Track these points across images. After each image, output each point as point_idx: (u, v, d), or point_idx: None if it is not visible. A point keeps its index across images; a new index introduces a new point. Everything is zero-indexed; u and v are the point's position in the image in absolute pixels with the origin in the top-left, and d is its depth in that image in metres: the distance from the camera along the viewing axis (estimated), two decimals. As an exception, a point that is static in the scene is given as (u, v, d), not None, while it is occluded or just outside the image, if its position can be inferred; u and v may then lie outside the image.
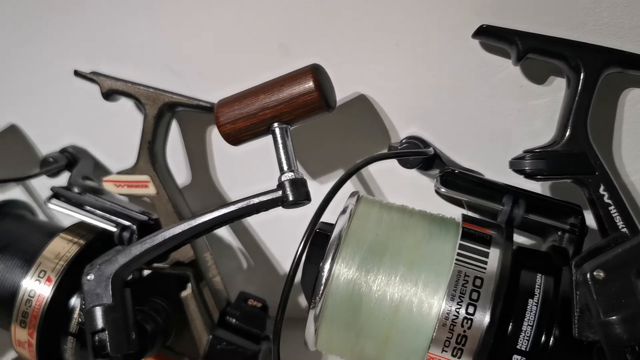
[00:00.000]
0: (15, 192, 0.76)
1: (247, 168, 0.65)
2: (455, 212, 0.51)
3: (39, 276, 0.57)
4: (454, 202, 0.54)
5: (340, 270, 0.46)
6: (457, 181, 0.51)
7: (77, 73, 0.61)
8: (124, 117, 0.66)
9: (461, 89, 0.55)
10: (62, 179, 0.68)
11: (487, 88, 0.54)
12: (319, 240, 0.50)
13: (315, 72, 0.50)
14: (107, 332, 0.50)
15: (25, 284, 0.57)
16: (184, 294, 0.58)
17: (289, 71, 0.52)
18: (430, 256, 0.46)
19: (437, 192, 0.53)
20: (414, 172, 0.59)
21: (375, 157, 0.48)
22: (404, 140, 0.56)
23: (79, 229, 0.62)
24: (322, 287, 0.46)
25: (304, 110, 0.51)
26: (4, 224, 0.63)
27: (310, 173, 0.64)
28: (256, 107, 0.51)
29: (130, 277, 0.53)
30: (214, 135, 0.65)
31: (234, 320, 0.60)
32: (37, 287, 0.57)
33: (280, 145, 0.51)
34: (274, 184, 0.63)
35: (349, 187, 0.63)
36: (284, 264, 0.71)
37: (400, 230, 0.48)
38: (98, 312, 0.50)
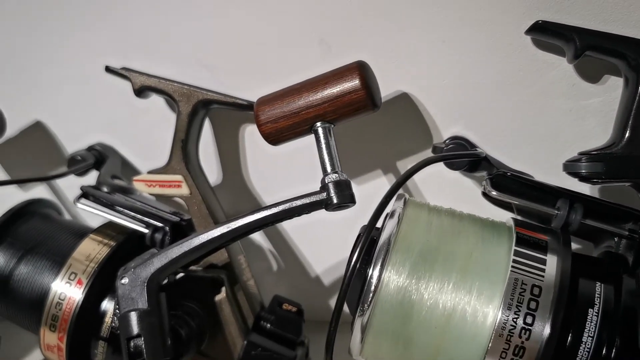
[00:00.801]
0: (39, 191, 0.74)
1: (280, 168, 0.64)
2: (500, 215, 0.49)
3: (69, 278, 0.56)
4: (501, 205, 0.52)
5: (390, 277, 0.44)
6: (508, 184, 0.48)
7: (108, 69, 0.59)
8: (154, 115, 0.64)
9: (509, 87, 0.53)
10: (89, 178, 0.67)
11: (537, 86, 0.52)
12: (363, 245, 0.48)
13: (362, 69, 0.48)
14: (143, 338, 0.48)
15: (55, 286, 0.56)
16: (218, 297, 0.56)
17: (330, 69, 0.51)
18: (483, 263, 0.44)
19: (486, 194, 0.50)
20: (455, 174, 0.57)
21: (433, 159, 0.46)
22: (449, 141, 0.54)
23: (108, 229, 0.60)
24: (371, 295, 0.44)
25: (349, 109, 0.49)
26: (31, 224, 0.62)
27: (347, 174, 0.61)
28: (299, 106, 0.49)
29: (165, 280, 0.51)
30: (247, 134, 0.63)
31: (268, 325, 0.58)
32: (67, 290, 0.55)
33: (324, 146, 0.49)
34: (309, 185, 0.61)
35: (382, 188, 0.61)
36: (315, 266, 0.70)
37: (452, 235, 0.46)
38: (133, 317, 0.49)
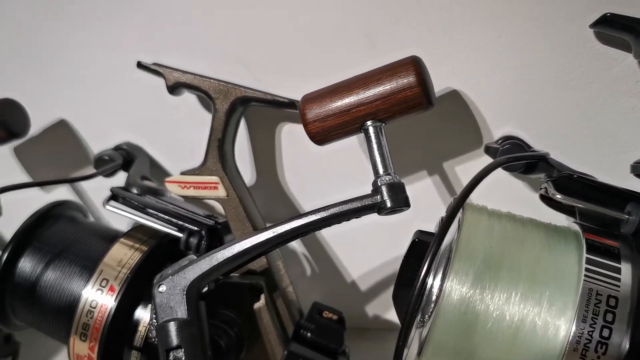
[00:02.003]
0: (61, 192, 0.71)
1: (318, 170, 0.61)
2: (553, 219, 0.46)
3: (100, 285, 0.53)
4: (560, 209, 0.49)
5: (452, 287, 0.41)
6: (574, 186, 0.45)
7: (140, 65, 0.56)
8: (185, 114, 0.62)
9: (568, 84, 0.50)
10: (115, 180, 0.64)
11: (598, 83, 0.49)
12: (417, 251, 0.46)
13: (417, 64, 0.46)
14: (183, 350, 0.46)
15: (86, 293, 0.53)
16: (257, 305, 0.54)
17: (375, 66, 0.48)
18: (553, 271, 0.41)
19: (545, 197, 0.48)
20: (503, 175, 0.55)
21: (504, 160, 0.43)
22: (503, 141, 0.51)
23: (138, 233, 0.57)
24: (432, 306, 0.41)
25: (402, 107, 0.46)
26: (58, 227, 0.59)
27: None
28: (349, 103, 0.46)
29: (205, 288, 0.48)
30: (285, 133, 0.60)
31: (308, 334, 0.55)
32: (99, 297, 0.53)
33: (375, 146, 0.46)
34: (348, 187, 0.59)
35: (426, 191, 0.58)
36: (351, 271, 0.67)
37: (515, 241, 0.43)
38: (173, 327, 0.46)
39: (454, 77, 0.52)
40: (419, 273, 0.38)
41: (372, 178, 0.58)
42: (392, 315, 0.67)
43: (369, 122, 0.47)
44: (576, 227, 0.45)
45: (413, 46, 0.51)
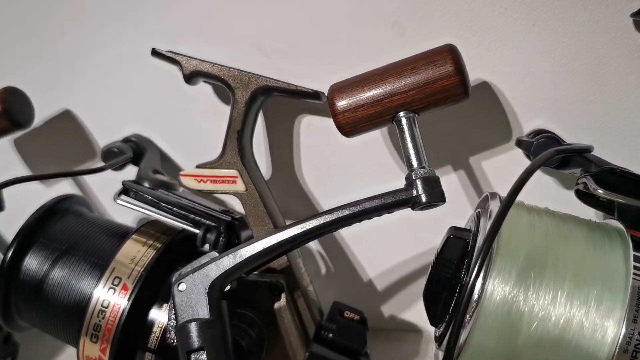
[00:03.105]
0: (61, 186, 0.68)
1: (337, 165, 0.59)
2: (587, 216, 0.45)
3: (113, 284, 0.50)
4: (597, 206, 0.47)
5: (495, 286, 0.39)
6: (616, 181, 0.44)
7: (155, 52, 0.53)
8: (200, 104, 0.59)
9: (604, 76, 0.48)
10: (122, 174, 0.61)
11: (636, 75, 0.48)
12: (452, 249, 0.44)
13: (454, 53, 0.44)
14: (205, 352, 0.43)
15: (97, 292, 0.50)
16: (277, 305, 0.51)
17: (404, 56, 0.46)
18: (599, 269, 0.40)
19: (582, 192, 0.46)
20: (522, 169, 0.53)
21: (552, 153, 0.41)
22: (539, 135, 0.49)
23: (151, 229, 0.55)
24: (474, 307, 0.39)
25: (439, 98, 0.44)
26: (65, 223, 0.56)
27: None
28: (383, 93, 0.44)
29: (228, 287, 0.46)
30: (303, 126, 0.57)
31: (330, 335, 0.53)
32: (111, 297, 0.50)
33: (408, 137, 0.44)
34: (368, 184, 0.57)
35: (453, 186, 0.56)
36: (368, 270, 0.64)
37: (559, 237, 0.41)
38: (194, 328, 0.44)
39: (485, 68, 0.50)
40: (469, 275, 0.35)
41: (395, 174, 0.57)
42: (408, 316, 0.65)
43: (401, 113, 0.45)
44: (617, 224, 0.43)
45: (443, 34, 0.49)
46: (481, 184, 0.55)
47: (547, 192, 0.54)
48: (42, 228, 0.54)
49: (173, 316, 0.45)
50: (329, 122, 0.55)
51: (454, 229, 0.45)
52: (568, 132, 0.50)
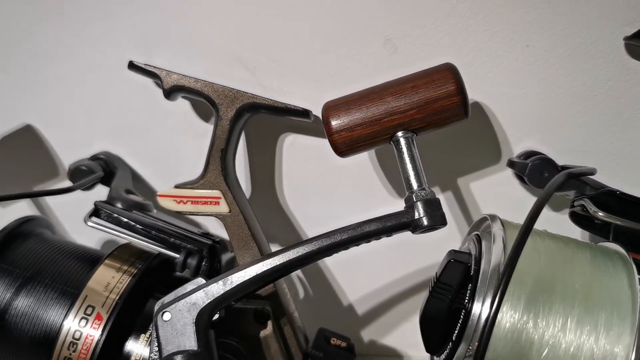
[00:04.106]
0: (19, 207, 0.63)
1: (318, 185, 0.56)
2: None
3: (85, 313, 0.46)
4: (590, 229, 0.47)
5: (504, 313, 0.38)
6: (614, 204, 0.43)
7: (132, 65, 0.50)
8: (175, 120, 0.56)
9: (595, 98, 0.48)
10: (91, 194, 0.57)
11: (626, 98, 0.48)
12: (453, 273, 0.42)
13: (455, 73, 0.43)
14: (194, 387, 0.40)
15: (67, 323, 0.46)
16: (263, 333, 0.48)
17: (396, 75, 0.45)
18: (606, 294, 0.39)
19: (579, 215, 0.46)
20: (519, 192, 0.53)
21: (569, 174, 0.40)
22: (533, 157, 0.49)
23: (124, 254, 0.51)
24: (481, 335, 0.37)
25: (439, 118, 0.43)
26: (28, 246, 0.51)
27: (401, 191, 0.55)
28: (381, 112, 0.43)
29: (216, 316, 0.43)
30: (286, 145, 0.55)
31: (317, 363, 0.50)
32: (83, 328, 0.46)
33: (408, 158, 0.43)
34: (353, 208, 0.55)
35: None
36: (348, 294, 0.62)
37: (564, 261, 0.41)
38: (181, 361, 0.40)
39: (477, 88, 0.50)
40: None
41: (380, 196, 0.55)
42: (389, 341, 0.64)
43: (400, 133, 0.43)
44: (616, 247, 0.43)
45: (436, 55, 0.48)
46: (468, 205, 0.54)
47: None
48: (3, 252, 0.50)
49: (155, 348, 0.42)
50: (314, 141, 0.54)
51: (454, 253, 0.43)
52: (558, 154, 0.50)
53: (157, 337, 0.42)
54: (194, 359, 0.41)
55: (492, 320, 0.32)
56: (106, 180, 0.56)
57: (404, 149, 0.43)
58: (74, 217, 0.58)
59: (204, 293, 0.42)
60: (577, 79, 0.48)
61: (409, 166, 0.43)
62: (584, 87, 0.48)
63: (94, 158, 0.57)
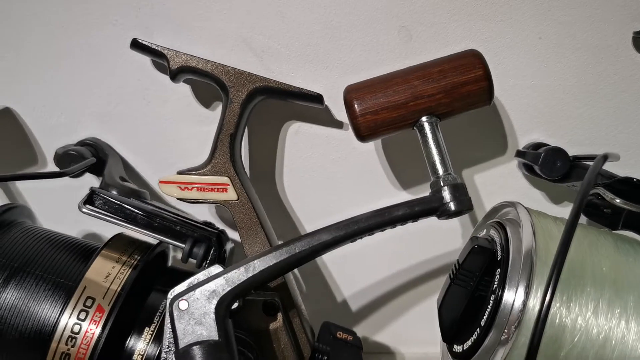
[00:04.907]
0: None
1: (323, 177, 0.55)
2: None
3: (85, 305, 0.43)
4: (598, 219, 0.48)
5: (537, 299, 0.37)
6: (631, 191, 0.44)
7: (136, 43, 0.47)
8: (173, 105, 0.53)
9: (602, 91, 0.50)
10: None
11: (631, 92, 0.49)
12: (478, 259, 0.42)
13: (482, 58, 0.43)
14: (215, 381, 0.37)
15: (65, 316, 0.43)
16: (273, 325, 0.47)
17: (409, 63, 0.44)
18: (632, 276, 0.40)
19: (595, 205, 0.46)
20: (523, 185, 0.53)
21: (605, 155, 0.40)
22: (544, 147, 0.49)
23: (120, 244, 0.48)
24: (515, 322, 0.37)
25: (465, 103, 0.43)
26: (13, 236, 0.47)
27: (404, 183, 0.55)
28: (408, 96, 0.42)
29: (235, 304, 0.41)
30: (290, 134, 0.54)
31: (325, 357, 0.49)
32: (82, 321, 0.43)
33: (432, 143, 0.42)
34: (357, 200, 0.54)
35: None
36: (343, 290, 0.61)
37: (590, 246, 0.41)
38: (200, 351, 0.39)
39: (489, 78, 0.49)
40: (543, 299, 0.32)
41: (383, 190, 0.54)
42: (381, 337, 0.63)
43: (424, 118, 0.43)
44: (632, 234, 0.44)
45: (450, 44, 0.49)
46: (472, 196, 0.54)
47: (539, 206, 0.54)
48: (-14, 242, 0.46)
49: (168, 341, 0.40)
50: (319, 130, 0.53)
51: (477, 239, 0.43)
52: (564, 147, 0.51)
53: (173, 327, 0.39)
54: (216, 349, 0.38)
55: (546, 310, 0.32)
56: (96, 168, 0.52)
57: (429, 134, 0.42)
58: (52, 208, 0.54)
59: (224, 280, 0.40)
60: (585, 73, 0.49)
61: (435, 151, 0.42)
62: (591, 81, 0.49)
63: (82, 144, 0.54)
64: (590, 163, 0.46)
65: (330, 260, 0.60)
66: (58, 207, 0.56)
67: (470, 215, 0.55)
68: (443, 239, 0.57)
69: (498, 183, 0.53)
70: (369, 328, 0.62)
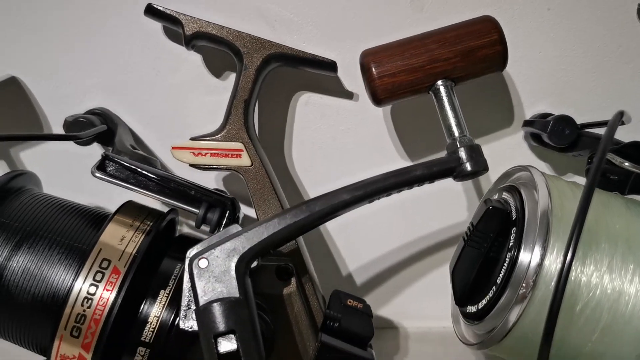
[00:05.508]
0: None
1: (332, 149, 0.55)
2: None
3: (101, 266, 0.43)
4: (605, 186, 0.49)
5: (553, 257, 0.38)
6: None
7: (151, 8, 0.47)
8: (183, 75, 0.53)
9: (607, 63, 0.51)
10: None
11: (634, 64, 0.51)
12: (492, 220, 0.43)
13: (497, 23, 0.44)
14: (236, 335, 0.38)
15: (80, 279, 0.42)
16: (287, 290, 0.47)
17: (420, 31, 0.45)
18: (644, 235, 0.41)
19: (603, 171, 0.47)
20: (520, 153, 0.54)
21: (621, 112, 0.41)
22: (552, 116, 0.50)
23: (132, 210, 0.47)
24: (532, 279, 0.38)
25: (480, 67, 0.43)
26: (24, 201, 0.47)
27: (413, 153, 0.55)
28: (425, 59, 0.43)
29: (255, 263, 0.41)
30: (300, 104, 0.54)
31: (337, 324, 0.49)
32: (98, 282, 0.42)
33: (448, 106, 0.43)
34: (362, 170, 0.54)
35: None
36: (348, 263, 0.61)
37: (602, 205, 0.42)
38: (221, 308, 0.39)
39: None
40: (565, 255, 0.33)
41: (394, 160, 0.55)
42: (385, 312, 0.63)
43: (440, 82, 0.43)
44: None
45: (461, 12, 0.49)
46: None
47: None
48: (-2, 205, 0.45)
49: (187, 299, 0.40)
50: (329, 100, 0.54)
51: (490, 201, 0.44)
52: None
53: (193, 285, 0.39)
54: (236, 306, 0.39)
55: (568, 265, 0.32)
56: (105, 137, 0.52)
57: (445, 97, 0.43)
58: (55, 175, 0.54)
59: (244, 238, 0.40)
60: (591, 45, 0.50)
61: (450, 113, 0.43)
62: (597, 52, 0.50)
63: (91, 113, 0.53)
64: (598, 130, 0.48)
65: (334, 232, 0.60)
66: (63, 176, 0.55)
67: (476, 188, 0.56)
68: (447, 213, 0.57)
69: (506, 154, 0.54)
70: (372, 302, 0.62)
